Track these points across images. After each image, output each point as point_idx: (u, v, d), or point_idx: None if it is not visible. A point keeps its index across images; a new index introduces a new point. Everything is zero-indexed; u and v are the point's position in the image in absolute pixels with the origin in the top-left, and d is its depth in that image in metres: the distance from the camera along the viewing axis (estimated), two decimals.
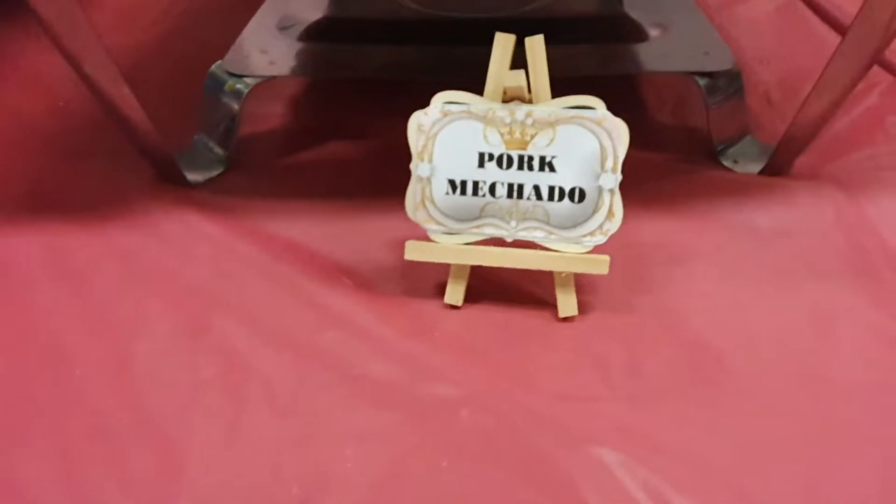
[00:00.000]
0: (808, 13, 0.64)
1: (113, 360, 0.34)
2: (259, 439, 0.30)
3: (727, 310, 0.35)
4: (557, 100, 0.32)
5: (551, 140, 0.32)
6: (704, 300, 0.36)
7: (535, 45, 0.32)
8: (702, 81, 0.44)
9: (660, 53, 0.46)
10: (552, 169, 0.32)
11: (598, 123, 0.31)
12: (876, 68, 0.56)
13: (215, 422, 0.31)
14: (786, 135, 0.43)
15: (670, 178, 0.43)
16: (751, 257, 0.37)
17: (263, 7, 0.53)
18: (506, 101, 0.32)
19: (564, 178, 0.32)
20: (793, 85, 0.52)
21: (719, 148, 0.46)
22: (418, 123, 0.33)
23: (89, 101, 0.41)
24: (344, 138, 0.48)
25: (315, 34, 0.49)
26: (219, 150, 0.46)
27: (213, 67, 0.46)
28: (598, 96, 0.33)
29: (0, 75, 0.59)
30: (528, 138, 0.32)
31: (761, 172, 0.43)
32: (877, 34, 0.37)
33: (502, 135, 0.32)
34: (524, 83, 0.31)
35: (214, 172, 0.45)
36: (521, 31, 0.49)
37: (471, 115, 0.32)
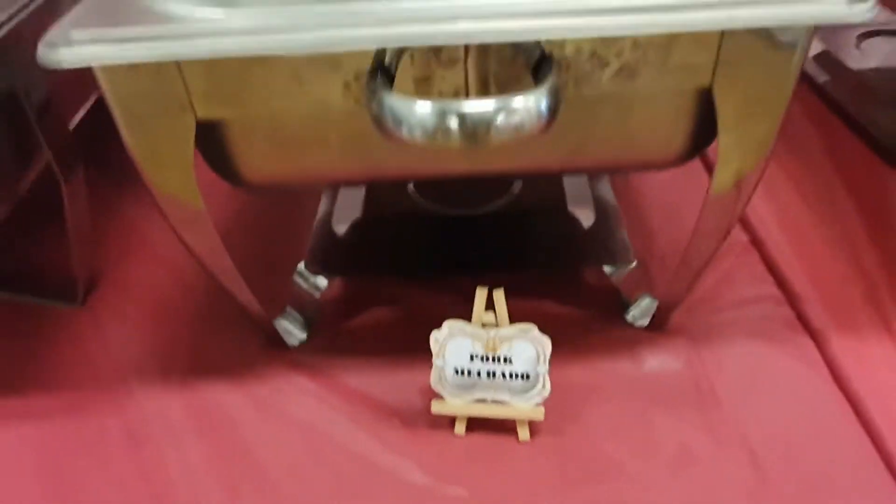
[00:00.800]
0: (705, 175, 0.88)
1: (263, 478, 0.58)
2: None
3: (620, 429, 0.59)
4: (513, 325, 0.56)
5: (510, 347, 0.57)
6: (607, 423, 0.59)
7: (499, 295, 0.56)
8: (608, 270, 0.69)
9: (579, 249, 0.71)
10: (511, 363, 0.57)
11: (535, 339, 0.56)
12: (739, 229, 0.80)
13: None
14: (661, 300, 0.68)
15: (589, 334, 0.67)
16: (635, 394, 0.62)
17: (322, 207, 0.77)
18: (484, 325, 0.57)
19: (518, 368, 0.57)
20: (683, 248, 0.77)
21: (626, 305, 0.71)
22: (435, 337, 0.58)
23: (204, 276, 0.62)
24: (383, 305, 0.73)
25: (360, 233, 0.74)
26: (305, 321, 0.71)
27: (298, 266, 0.71)
28: None
29: (131, 253, 0.82)
30: (497, 346, 0.57)
31: (647, 328, 0.68)
32: (727, 211, 0.54)
33: (483, 344, 0.57)
34: (493, 319, 0.56)
35: (304, 337, 0.70)
36: (498, 222, 0.74)
37: (464, 333, 0.57)
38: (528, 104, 0.38)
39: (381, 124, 0.40)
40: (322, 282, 0.69)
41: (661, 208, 0.82)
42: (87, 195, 0.71)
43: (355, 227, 0.73)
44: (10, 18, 0.52)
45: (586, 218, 0.72)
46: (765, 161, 0.52)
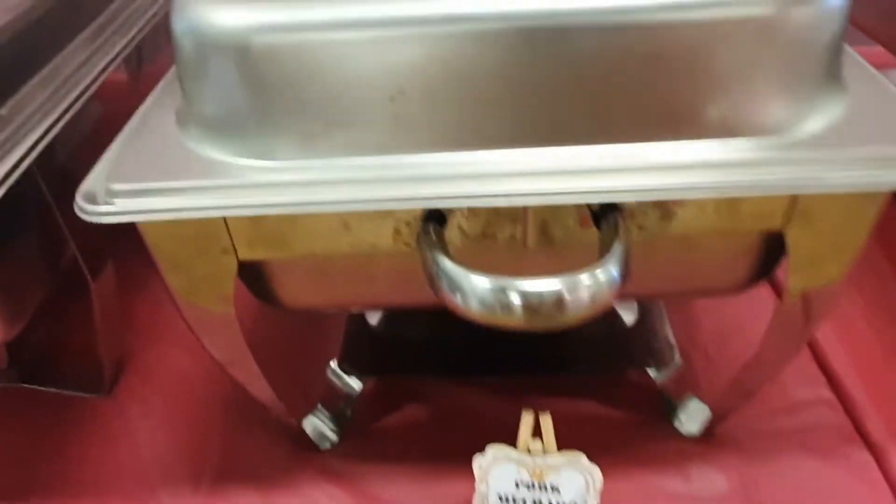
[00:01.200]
0: None
1: None
2: None
3: None
4: (560, 452, 0.54)
5: (558, 475, 0.54)
6: None
7: (546, 421, 0.54)
8: (651, 372, 0.66)
9: (621, 350, 0.68)
10: (558, 492, 0.54)
11: (585, 468, 0.54)
12: None
13: None
14: (712, 409, 0.65)
15: (634, 443, 0.64)
16: None
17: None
18: (530, 451, 0.54)
19: (566, 497, 0.54)
20: (728, 339, 0.74)
21: (671, 407, 0.68)
22: (479, 463, 0.55)
23: None
24: (416, 402, 0.71)
25: (392, 327, 0.72)
26: (337, 420, 0.68)
27: (331, 364, 0.68)
28: None
29: (156, 335, 0.80)
30: (544, 475, 0.54)
31: (697, 435, 0.65)
32: (794, 334, 0.52)
33: (528, 471, 0.54)
34: (541, 445, 0.54)
35: (335, 440, 0.68)
36: None
37: (509, 459, 0.54)
38: (599, 278, 0.35)
39: (435, 286, 0.38)
40: (356, 383, 0.66)
41: None
42: (115, 289, 0.69)
43: (388, 320, 0.70)
44: (45, 133, 0.50)
45: (628, 313, 0.69)
46: (838, 288, 0.49)
